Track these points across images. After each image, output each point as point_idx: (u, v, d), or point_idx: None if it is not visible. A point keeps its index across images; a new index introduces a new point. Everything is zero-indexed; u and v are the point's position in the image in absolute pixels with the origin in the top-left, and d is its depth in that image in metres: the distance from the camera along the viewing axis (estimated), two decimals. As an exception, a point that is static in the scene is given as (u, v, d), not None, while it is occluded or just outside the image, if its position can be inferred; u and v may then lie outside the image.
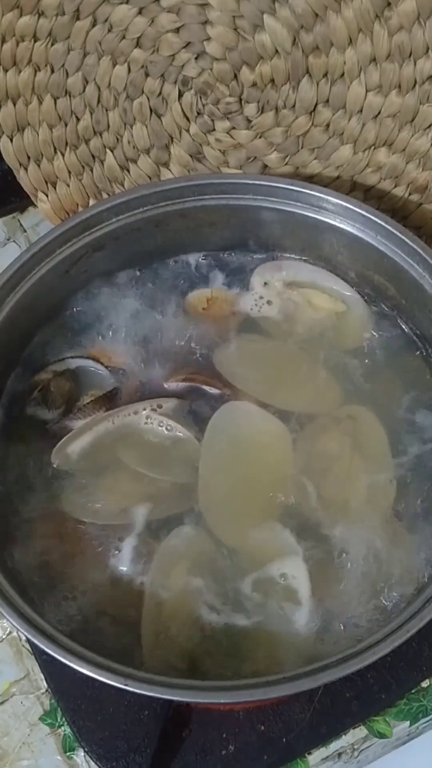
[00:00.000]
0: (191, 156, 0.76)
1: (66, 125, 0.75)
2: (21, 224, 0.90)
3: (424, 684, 0.68)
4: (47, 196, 0.80)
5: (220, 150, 0.75)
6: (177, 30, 0.68)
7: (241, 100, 0.71)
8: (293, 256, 0.74)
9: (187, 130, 0.74)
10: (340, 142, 0.72)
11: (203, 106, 0.72)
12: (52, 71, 0.72)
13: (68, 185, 0.79)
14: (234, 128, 0.73)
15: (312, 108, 0.71)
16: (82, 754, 0.66)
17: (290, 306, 0.72)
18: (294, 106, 0.71)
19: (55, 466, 0.65)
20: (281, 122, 0.72)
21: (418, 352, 0.70)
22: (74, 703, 0.65)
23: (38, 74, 0.72)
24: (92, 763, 0.64)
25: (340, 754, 0.66)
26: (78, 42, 0.70)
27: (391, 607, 0.59)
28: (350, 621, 0.59)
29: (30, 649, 0.69)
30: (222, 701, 0.58)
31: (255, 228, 0.73)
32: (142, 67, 0.71)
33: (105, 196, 0.80)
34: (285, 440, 0.65)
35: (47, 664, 0.67)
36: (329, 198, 0.68)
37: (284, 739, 0.64)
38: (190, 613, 0.59)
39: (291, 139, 0.73)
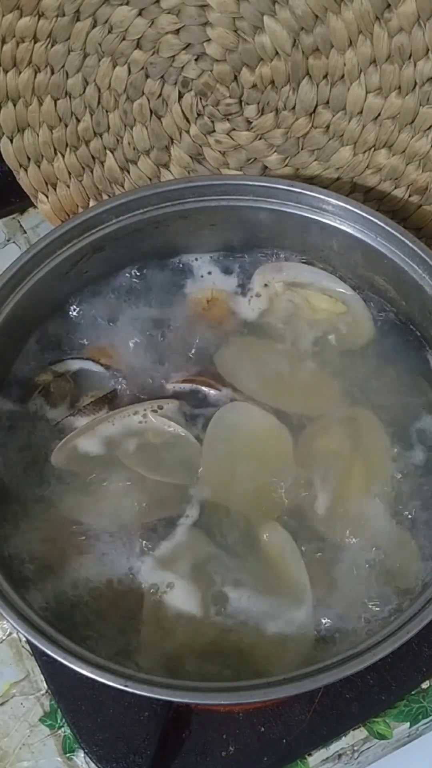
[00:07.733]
0: (191, 157, 0.76)
1: (66, 126, 0.75)
2: (21, 225, 0.90)
3: (424, 685, 0.68)
4: (47, 197, 0.80)
5: (220, 151, 0.75)
6: (177, 31, 0.68)
7: (241, 101, 0.71)
8: (293, 257, 0.74)
9: (187, 132, 0.74)
10: (340, 143, 0.73)
11: (203, 107, 0.72)
12: (53, 72, 0.72)
13: (68, 186, 0.79)
14: (234, 129, 0.73)
15: (312, 109, 0.71)
16: (82, 755, 0.66)
17: (290, 307, 0.72)
18: (294, 107, 0.71)
19: (55, 466, 0.65)
20: (281, 124, 0.72)
21: (419, 353, 0.70)
22: (74, 704, 0.65)
23: (38, 75, 0.72)
24: (92, 765, 0.64)
25: (340, 756, 0.66)
26: (78, 43, 0.70)
27: (392, 608, 0.59)
28: (350, 622, 0.59)
29: (30, 650, 0.69)
30: (222, 702, 0.58)
31: (255, 229, 0.73)
32: (142, 68, 0.71)
33: (105, 197, 0.80)
34: (286, 441, 0.65)
35: (47, 665, 0.67)
36: (329, 199, 0.68)
37: (284, 741, 0.64)
38: (190, 614, 0.59)
39: (291, 141, 0.73)
